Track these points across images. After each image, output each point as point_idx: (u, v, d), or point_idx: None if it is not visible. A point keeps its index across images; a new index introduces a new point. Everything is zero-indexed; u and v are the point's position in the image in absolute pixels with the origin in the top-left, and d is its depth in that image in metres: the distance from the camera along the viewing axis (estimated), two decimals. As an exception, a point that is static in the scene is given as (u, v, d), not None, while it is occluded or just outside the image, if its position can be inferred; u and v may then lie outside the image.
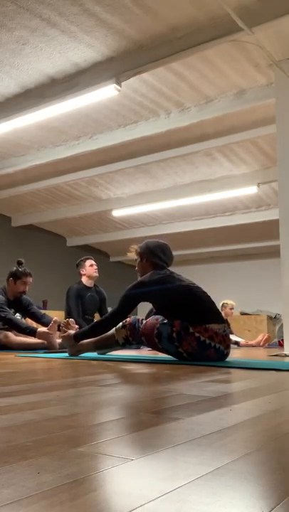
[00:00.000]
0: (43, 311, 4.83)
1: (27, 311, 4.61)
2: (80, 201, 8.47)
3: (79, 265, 5.34)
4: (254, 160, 6.46)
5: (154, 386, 1.52)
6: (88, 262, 5.30)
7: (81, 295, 5.22)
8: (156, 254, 3.14)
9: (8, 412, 1.01)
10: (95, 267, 5.30)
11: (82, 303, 5.19)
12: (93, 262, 5.31)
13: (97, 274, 5.32)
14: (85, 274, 5.30)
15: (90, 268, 5.29)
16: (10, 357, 3.16)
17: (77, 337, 3.07)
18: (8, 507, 0.47)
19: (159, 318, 2.90)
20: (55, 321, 4.21)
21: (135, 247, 3.25)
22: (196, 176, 7.10)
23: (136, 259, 3.23)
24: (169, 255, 3.20)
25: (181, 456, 0.68)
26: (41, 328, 4.22)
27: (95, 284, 5.36)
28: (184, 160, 6.51)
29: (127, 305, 2.97)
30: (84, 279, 5.31)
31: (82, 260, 5.35)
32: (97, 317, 5.06)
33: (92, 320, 4.93)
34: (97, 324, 3.05)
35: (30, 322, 4.69)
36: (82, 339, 3.08)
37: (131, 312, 3.02)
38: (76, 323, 3.61)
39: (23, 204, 8.76)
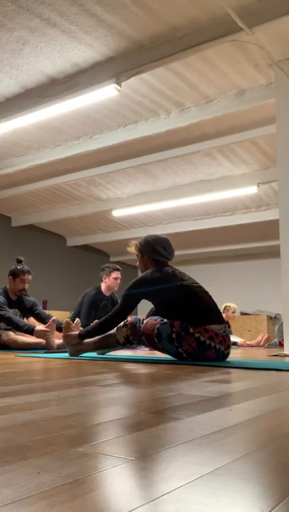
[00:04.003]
0: (46, 312, 4.84)
1: (32, 312, 4.63)
2: (80, 201, 8.47)
3: (104, 271, 5.27)
4: (254, 160, 6.46)
5: (154, 386, 1.52)
6: (114, 274, 5.22)
7: (96, 303, 5.19)
8: (156, 250, 3.10)
9: (8, 412, 1.01)
10: (119, 281, 5.24)
11: (95, 310, 5.15)
12: (119, 276, 5.24)
13: (117, 289, 5.24)
14: (106, 283, 5.26)
15: (113, 280, 5.23)
16: (10, 357, 3.16)
17: (82, 336, 3.08)
18: (8, 507, 0.47)
19: (158, 318, 2.90)
20: (53, 320, 4.22)
21: (135, 242, 3.23)
22: (196, 176, 7.10)
23: (136, 255, 3.21)
24: (170, 250, 3.16)
25: (181, 456, 0.68)
26: (39, 327, 4.24)
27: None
28: (183, 160, 6.51)
29: (129, 303, 2.97)
30: (103, 287, 5.27)
31: (109, 267, 5.26)
32: None
33: None
34: (101, 323, 3.04)
35: (33, 322, 4.70)
36: (87, 338, 3.08)
37: (133, 310, 3.02)
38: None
39: (23, 204, 8.77)
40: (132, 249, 3.24)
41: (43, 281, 9.49)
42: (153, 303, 3.07)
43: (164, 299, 2.94)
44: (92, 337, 3.08)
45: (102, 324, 3.02)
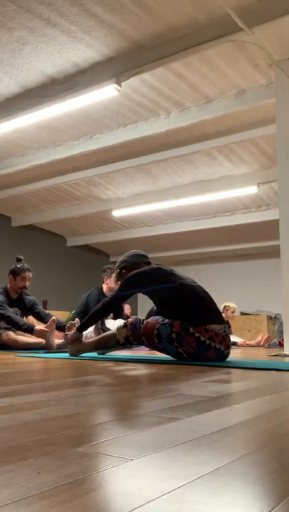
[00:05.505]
0: (46, 311, 4.84)
1: (32, 311, 4.64)
2: (80, 201, 8.47)
3: (105, 272, 5.28)
4: (254, 160, 6.46)
5: (154, 386, 1.52)
6: None
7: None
8: (140, 261, 3.19)
9: (8, 412, 1.01)
10: None
11: None
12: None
13: None
14: (107, 285, 5.27)
15: (115, 284, 5.25)
16: (10, 357, 3.16)
17: (80, 328, 3.11)
18: (8, 507, 0.47)
19: (159, 318, 2.90)
20: (53, 320, 4.22)
21: (113, 274, 3.35)
22: (196, 176, 7.10)
23: (116, 281, 3.27)
24: (148, 258, 3.27)
25: (181, 456, 0.68)
26: (38, 326, 4.25)
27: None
28: (183, 160, 6.51)
29: (126, 291, 3.01)
30: (105, 288, 5.28)
31: (111, 269, 5.27)
32: None
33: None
34: (96, 310, 3.06)
35: (32, 321, 4.71)
36: (85, 328, 3.12)
37: (128, 299, 3.11)
38: None
39: (23, 204, 8.77)
40: (116, 279, 3.29)
41: (43, 282, 9.49)
42: (152, 299, 3.08)
43: (163, 298, 2.94)
44: (91, 325, 3.13)
45: (98, 310, 3.05)
